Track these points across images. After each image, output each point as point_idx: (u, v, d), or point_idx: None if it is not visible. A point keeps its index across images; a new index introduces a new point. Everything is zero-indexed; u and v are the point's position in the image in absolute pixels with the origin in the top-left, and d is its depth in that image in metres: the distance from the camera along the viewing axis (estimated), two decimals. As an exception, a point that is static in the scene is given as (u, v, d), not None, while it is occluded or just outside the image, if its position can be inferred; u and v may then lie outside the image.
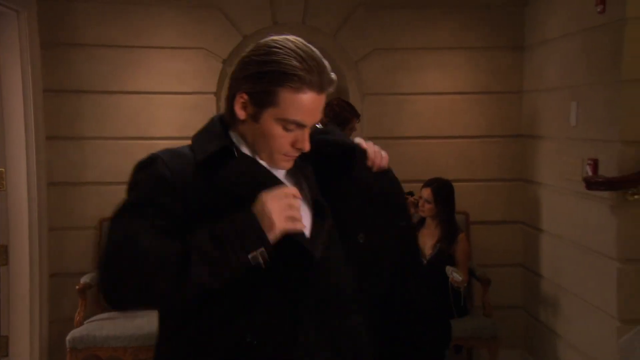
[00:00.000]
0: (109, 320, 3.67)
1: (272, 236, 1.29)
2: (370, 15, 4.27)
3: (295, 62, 1.36)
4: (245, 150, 1.45)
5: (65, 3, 4.06)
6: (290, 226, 1.31)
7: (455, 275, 3.50)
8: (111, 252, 1.32)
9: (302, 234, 1.38)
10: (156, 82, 4.16)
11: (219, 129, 1.47)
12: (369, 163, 1.57)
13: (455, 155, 4.31)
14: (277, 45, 1.40)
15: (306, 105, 1.38)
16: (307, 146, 1.41)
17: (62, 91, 4.08)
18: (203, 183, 1.38)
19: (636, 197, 3.00)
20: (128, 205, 1.39)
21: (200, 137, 1.48)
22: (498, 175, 4.35)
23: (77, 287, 3.66)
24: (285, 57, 1.37)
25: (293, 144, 1.41)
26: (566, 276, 3.65)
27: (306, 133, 1.41)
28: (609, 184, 3.06)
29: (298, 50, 1.38)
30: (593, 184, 3.13)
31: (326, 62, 1.42)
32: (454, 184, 3.94)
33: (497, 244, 4.30)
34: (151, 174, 1.40)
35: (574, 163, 3.47)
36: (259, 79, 1.38)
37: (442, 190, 3.85)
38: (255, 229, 1.28)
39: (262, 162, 1.45)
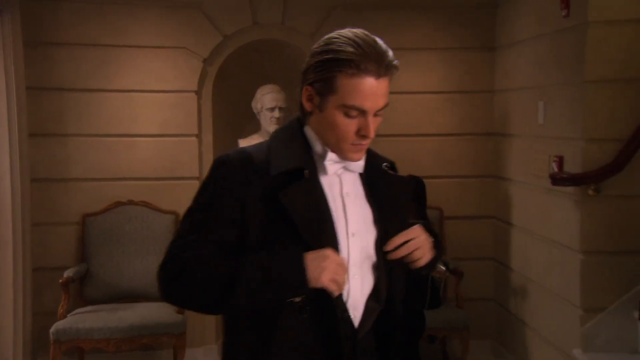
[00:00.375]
0: (92, 312, 3.76)
1: (313, 286, 1.38)
2: (348, 16, 4.38)
3: (350, 49, 1.39)
4: (318, 146, 1.50)
5: (48, 3, 4.12)
6: (332, 288, 1.40)
7: (439, 266, 3.63)
8: (170, 261, 1.45)
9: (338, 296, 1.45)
10: (138, 80, 4.24)
11: (297, 129, 1.52)
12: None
13: (429, 152, 4.45)
14: (336, 36, 1.43)
15: (364, 90, 1.40)
16: (371, 132, 1.43)
17: (44, 89, 4.15)
18: (268, 195, 1.43)
19: (598, 192, 3.16)
20: (194, 209, 1.49)
21: (280, 142, 1.52)
22: (471, 172, 4.50)
23: (60, 280, 3.74)
24: (342, 44, 1.40)
25: (357, 132, 1.43)
26: (534, 268, 3.81)
27: (369, 119, 1.43)
28: (572, 180, 3.21)
29: (355, 38, 1.40)
30: (558, 180, 3.28)
31: (386, 49, 1.42)
32: (429, 181, 4.02)
33: (470, 239, 4.45)
34: (219, 177, 1.48)
35: (541, 160, 3.63)
36: (319, 68, 1.42)
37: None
38: (301, 277, 1.37)
39: (325, 178, 1.50)
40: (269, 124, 4.41)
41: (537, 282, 3.76)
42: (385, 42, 1.42)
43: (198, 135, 4.35)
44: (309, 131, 1.51)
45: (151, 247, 4.12)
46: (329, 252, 1.40)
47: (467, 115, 4.47)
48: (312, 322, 1.42)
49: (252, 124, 4.57)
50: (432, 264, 1.58)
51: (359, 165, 1.53)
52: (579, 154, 3.23)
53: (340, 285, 1.40)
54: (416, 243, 1.49)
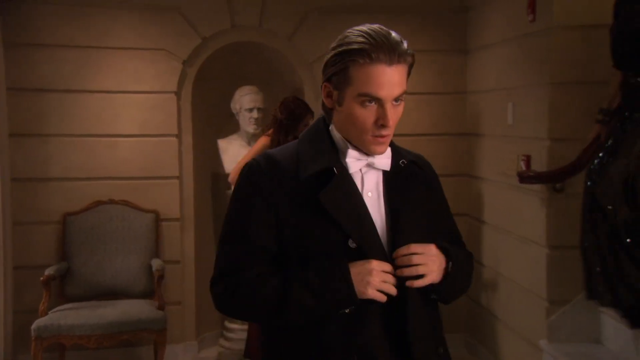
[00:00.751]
0: (73, 309, 3.82)
1: (361, 297, 1.41)
2: (324, 19, 4.49)
3: (362, 39, 1.40)
4: (342, 144, 1.49)
5: (28, 5, 4.18)
6: (378, 298, 1.42)
7: None
8: (220, 279, 1.50)
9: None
10: (118, 81, 4.31)
11: (322, 129, 1.52)
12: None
13: (404, 152, 4.56)
14: (350, 30, 1.44)
15: (377, 77, 1.39)
16: (389, 121, 1.42)
17: (25, 90, 4.20)
18: (301, 197, 1.45)
19: (563, 190, 3.30)
20: (232, 218, 1.53)
21: (307, 144, 1.52)
22: (444, 170, 4.60)
23: (41, 278, 3.79)
24: (354, 37, 1.41)
25: (376, 122, 1.42)
26: (504, 263, 3.95)
27: (387, 108, 1.42)
28: (538, 178, 3.35)
29: (368, 30, 1.41)
30: (525, 178, 3.42)
31: (400, 39, 1.43)
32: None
33: (443, 236, 4.57)
34: (249, 183, 1.50)
35: (511, 159, 3.76)
36: (334, 62, 1.44)
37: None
38: (349, 292, 1.40)
39: (356, 168, 1.49)
40: (248, 124, 4.51)
41: (507, 276, 3.90)
42: (396, 33, 1.44)
43: (178, 136, 4.42)
44: (333, 130, 1.51)
45: (132, 245, 4.19)
46: (373, 264, 1.41)
47: (440, 115, 4.60)
48: (358, 325, 1.44)
49: (231, 124, 4.66)
50: (438, 289, 1.50)
51: (383, 162, 1.51)
52: (545, 153, 3.37)
53: (389, 290, 1.42)
54: (421, 259, 1.45)
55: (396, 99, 1.43)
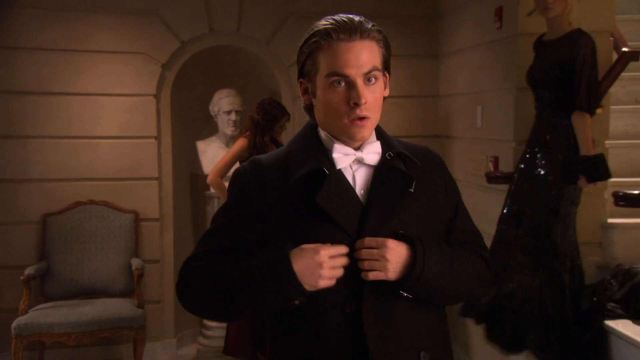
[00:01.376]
0: (53, 308, 3.88)
1: (313, 289, 1.35)
2: (301, 24, 4.59)
3: (322, 24, 1.40)
4: (328, 143, 1.44)
5: (8, 8, 4.23)
6: (329, 284, 1.35)
7: None
8: (180, 273, 1.47)
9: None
10: (97, 84, 4.38)
11: (309, 131, 1.48)
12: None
13: (378, 153, 4.69)
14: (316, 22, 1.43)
15: (339, 54, 1.36)
16: (360, 98, 1.36)
17: (4, 92, 4.26)
18: (293, 200, 1.40)
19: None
20: (212, 222, 1.51)
21: (295, 147, 1.48)
22: (418, 172, 4.75)
23: (21, 277, 3.85)
24: (317, 25, 1.41)
25: (348, 102, 1.37)
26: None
27: (358, 86, 1.36)
28: (504, 178, 3.49)
29: (330, 16, 1.41)
30: (492, 178, 3.56)
31: (363, 18, 1.41)
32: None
33: (417, 235, 4.70)
34: (234, 189, 1.48)
35: (479, 160, 3.91)
36: (301, 53, 1.43)
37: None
38: (294, 286, 1.33)
39: (346, 167, 1.43)
40: (226, 126, 4.61)
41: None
42: (361, 16, 1.44)
43: (157, 137, 4.50)
44: (320, 130, 1.47)
45: (111, 244, 4.26)
46: (321, 255, 1.34)
47: (414, 118, 4.74)
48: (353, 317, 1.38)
49: (209, 127, 4.76)
50: (406, 287, 1.39)
51: (372, 157, 1.44)
52: (511, 154, 3.51)
53: (338, 274, 1.36)
54: (376, 253, 1.36)
55: (368, 78, 1.38)
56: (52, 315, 3.76)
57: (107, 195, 4.38)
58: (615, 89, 3.81)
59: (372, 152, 1.45)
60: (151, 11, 4.43)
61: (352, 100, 1.37)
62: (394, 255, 1.37)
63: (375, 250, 1.36)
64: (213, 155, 4.53)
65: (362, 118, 1.38)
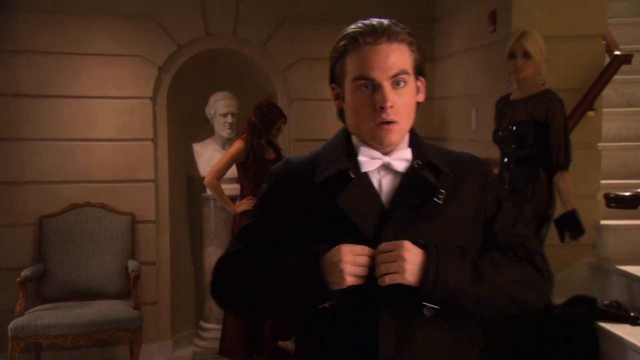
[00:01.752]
0: (49, 310, 3.89)
1: (339, 288, 1.31)
2: (297, 27, 4.64)
3: (351, 28, 1.39)
4: (364, 149, 1.40)
5: (5, 11, 4.25)
6: (356, 282, 1.31)
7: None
8: (214, 272, 1.49)
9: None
10: (94, 86, 4.40)
11: (343, 134, 1.46)
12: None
13: (374, 156, 4.72)
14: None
15: (366, 58, 1.35)
16: (386, 101, 1.33)
17: (1, 95, 4.26)
18: (318, 201, 1.39)
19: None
20: (250, 215, 1.51)
21: (327, 149, 1.46)
22: (413, 174, 4.78)
23: (17, 279, 3.86)
24: (346, 29, 1.40)
25: (375, 106, 1.34)
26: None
27: (385, 90, 1.34)
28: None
29: (359, 21, 1.40)
30: (486, 180, 3.59)
31: (390, 21, 1.39)
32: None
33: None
34: (266, 190, 1.48)
35: (474, 162, 3.94)
36: (332, 58, 1.42)
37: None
38: (321, 287, 1.31)
39: (374, 175, 1.39)
40: (222, 129, 4.63)
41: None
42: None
43: (153, 140, 4.52)
44: (352, 135, 1.45)
45: (108, 246, 4.28)
46: (342, 252, 1.31)
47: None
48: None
49: (205, 129, 4.78)
50: (424, 295, 1.31)
51: (400, 164, 1.40)
52: (505, 156, 3.54)
53: (362, 273, 1.32)
54: (392, 255, 1.31)
55: (396, 81, 1.35)
56: (49, 317, 3.77)
57: (104, 198, 4.39)
58: (607, 92, 3.85)
59: (401, 158, 1.40)
60: (148, 14, 4.45)
61: (378, 103, 1.34)
62: (411, 256, 1.31)
63: (391, 253, 1.31)
64: (209, 157, 4.55)
65: (389, 122, 1.35)
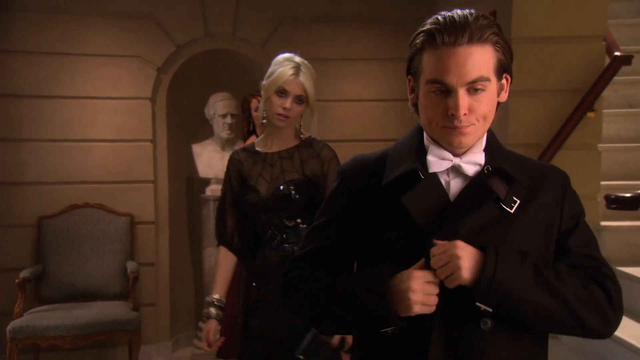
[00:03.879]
0: (48, 311, 3.88)
1: (406, 315, 1.27)
2: (296, 27, 4.63)
3: (430, 22, 1.29)
4: (434, 148, 1.34)
5: (4, 12, 4.24)
6: (425, 311, 1.26)
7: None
8: (287, 274, 1.45)
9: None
10: (93, 87, 4.39)
11: (415, 132, 1.40)
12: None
13: (373, 156, 4.72)
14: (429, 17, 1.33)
15: (443, 61, 1.25)
16: (458, 109, 1.25)
17: (0, 95, 4.26)
18: (385, 201, 1.34)
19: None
20: (319, 214, 1.48)
21: (398, 146, 1.42)
22: (412, 175, 4.78)
23: (16, 280, 3.85)
24: (426, 23, 1.30)
25: (446, 112, 1.26)
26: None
27: (458, 96, 1.25)
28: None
29: (440, 13, 1.29)
30: (486, 181, 3.59)
31: (471, 17, 1.26)
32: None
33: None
34: (336, 188, 1.45)
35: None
36: (410, 53, 1.34)
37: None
38: (385, 313, 1.27)
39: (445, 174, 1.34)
40: (222, 129, 4.62)
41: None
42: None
43: (152, 140, 4.52)
44: (427, 136, 1.37)
45: (107, 247, 4.27)
46: (412, 280, 1.25)
47: (409, 121, 4.75)
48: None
49: (205, 130, 4.77)
50: (481, 296, 1.25)
51: (470, 168, 1.32)
52: (505, 157, 3.54)
53: (431, 303, 1.26)
54: (446, 256, 1.25)
55: (474, 87, 1.25)
56: (48, 318, 3.76)
57: (103, 198, 4.38)
58: (607, 93, 3.85)
59: (472, 162, 1.33)
60: (147, 15, 4.44)
61: (451, 110, 1.26)
62: (464, 253, 1.24)
63: (444, 254, 1.25)
64: (208, 158, 4.54)
65: (457, 127, 1.28)
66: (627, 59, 3.50)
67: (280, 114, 2.34)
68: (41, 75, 4.30)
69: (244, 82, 4.87)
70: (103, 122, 4.41)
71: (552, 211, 1.35)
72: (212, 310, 2.41)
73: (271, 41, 4.63)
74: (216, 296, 2.42)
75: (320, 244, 1.43)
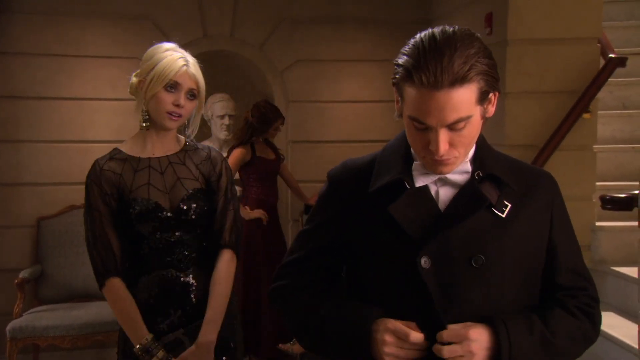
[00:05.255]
0: (47, 311, 3.90)
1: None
2: (294, 29, 4.65)
3: (407, 57, 1.21)
4: (418, 164, 1.32)
5: (2, 14, 4.25)
6: None
7: None
8: (276, 281, 1.46)
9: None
10: (91, 88, 4.41)
11: (404, 140, 1.36)
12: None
13: (371, 157, 4.75)
14: (414, 37, 1.24)
15: (420, 102, 1.20)
16: (438, 149, 1.21)
17: (-1, 96, 4.28)
18: (371, 209, 1.33)
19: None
20: (305, 225, 1.48)
21: (386, 153, 1.39)
22: (409, 175, 4.80)
23: (15, 281, 3.86)
24: (407, 50, 1.22)
25: (427, 145, 1.23)
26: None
27: (439, 134, 1.21)
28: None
29: (420, 43, 1.20)
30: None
31: (451, 57, 1.17)
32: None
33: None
34: (325, 193, 1.44)
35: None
36: (393, 72, 1.28)
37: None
38: (366, 354, 1.27)
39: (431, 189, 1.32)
40: (219, 130, 4.64)
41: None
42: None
43: (150, 141, 4.52)
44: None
45: (105, 248, 4.28)
46: (386, 331, 1.25)
47: (405, 122, 4.79)
48: None
49: (202, 131, 4.77)
50: None
51: (457, 177, 1.30)
52: (501, 158, 3.57)
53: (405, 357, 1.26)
54: (459, 350, 1.22)
55: (454, 126, 1.21)
56: (47, 319, 3.78)
57: (101, 199, 4.39)
58: (602, 95, 3.88)
59: (459, 171, 1.30)
60: (145, 16, 4.45)
61: (431, 147, 1.23)
62: (479, 347, 1.22)
63: (457, 347, 1.22)
64: (206, 159, 4.56)
65: (438, 161, 1.25)
66: (621, 61, 3.53)
67: (171, 112, 2.02)
68: (39, 77, 4.31)
69: (242, 83, 4.90)
70: (101, 123, 4.43)
71: (542, 216, 1.35)
72: (160, 356, 1.95)
73: (269, 42, 4.66)
74: (148, 338, 1.96)
75: (309, 250, 1.42)
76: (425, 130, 1.23)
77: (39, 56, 4.31)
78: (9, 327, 3.71)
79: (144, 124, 2.06)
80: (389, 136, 5.06)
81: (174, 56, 2.03)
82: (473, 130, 1.25)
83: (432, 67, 1.17)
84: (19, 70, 4.29)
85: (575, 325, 1.33)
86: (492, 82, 1.24)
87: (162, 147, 2.10)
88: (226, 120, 4.60)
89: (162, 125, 2.05)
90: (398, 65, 1.24)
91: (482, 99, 1.24)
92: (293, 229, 4.71)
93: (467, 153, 1.29)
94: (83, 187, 4.62)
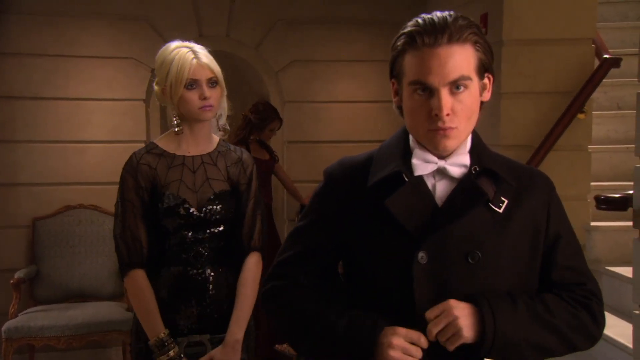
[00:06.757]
0: (43, 311, 3.89)
1: None
2: (290, 29, 4.66)
3: (410, 25, 1.29)
4: (419, 151, 1.33)
5: (-1, 13, 4.26)
6: None
7: None
8: (271, 279, 1.43)
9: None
10: (87, 89, 4.40)
11: (401, 134, 1.40)
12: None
13: (366, 157, 4.75)
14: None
15: (423, 61, 1.25)
16: (441, 110, 1.24)
17: (-6, 97, 4.27)
18: (369, 204, 1.33)
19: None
20: (299, 221, 1.47)
21: (383, 149, 1.41)
22: (405, 175, 4.81)
23: (11, 281, 3.86)
24: (406, 25, 1.30)
25: (430, 112, 1.25)
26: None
27: (441, 96, 1.24)
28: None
29: (420, 16, 1.29)
30: (478, 182, 3.63)
31: (450, 18, 1.26)
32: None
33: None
34: (321, 190, 1.44)
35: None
36: (391, 56, 1.33)
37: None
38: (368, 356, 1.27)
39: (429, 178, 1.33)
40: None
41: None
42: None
43: (146, 142, 4.52)
44: (412, 138, 1.37)
45: (101, 248, 4.28)
46: (394, 336, 1.25)
47: (402, 122, 4.76)
48: None
49: (199, 131, 4.78)
50: (481, 348, 1.25)
51: (456, 170, 1.32)
52: (496, 158, 3.58)
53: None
54: (443, 318, 1.24)
55: (456, 86, 1.25)
56: (42, 319, 3.77)
57: (97, 200, 4.39)
58: (597, 95, 3.90)
59: (458, 164, 1.32)
60: (141, 17, 4.45)
61: (434, 110, 1.25)
62: (461, 312, 1.24)
63: (442, 317, 1.24)
64: (202, 159, 4.56)
65: (445, 128, 1.27)
66: (616, 62, 3.55)
67: (202, 107, 2.07)
68: (35, 77, 4.31)
69: (238, 83, 4.89)
70: (97, 124, 4.43)
71: (539, 214, 1.35)
72: (172, 354, 1.99)
73: (265, 43, 4.66)
74: (165, 333, 2.00)
75: (304, 247, 1.41)
76: (427, 94, 1.26)
77: (35, 56, 4.30)
78: (4, 327, 3.71)
79: (176, 129, 2.11)
80: (384, 136, 5.06)
81: (181, 53, 2.06)
82: (473, 101, 1.29)
83: (432, 28, 1.25)
84: (15, 71, 4.28)
85: (569, 311, 1.33)
86: (487, 58, 1.30)
87: (196, 146, 2.16)
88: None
89: (198, 119, 2.10)
90: (398, 39, 1.30)
91: (480, 71, 1.29)
92: (289, 229, 4.71)
93: (467, 131, 1.32)
94: (78, 187, 4.63)
